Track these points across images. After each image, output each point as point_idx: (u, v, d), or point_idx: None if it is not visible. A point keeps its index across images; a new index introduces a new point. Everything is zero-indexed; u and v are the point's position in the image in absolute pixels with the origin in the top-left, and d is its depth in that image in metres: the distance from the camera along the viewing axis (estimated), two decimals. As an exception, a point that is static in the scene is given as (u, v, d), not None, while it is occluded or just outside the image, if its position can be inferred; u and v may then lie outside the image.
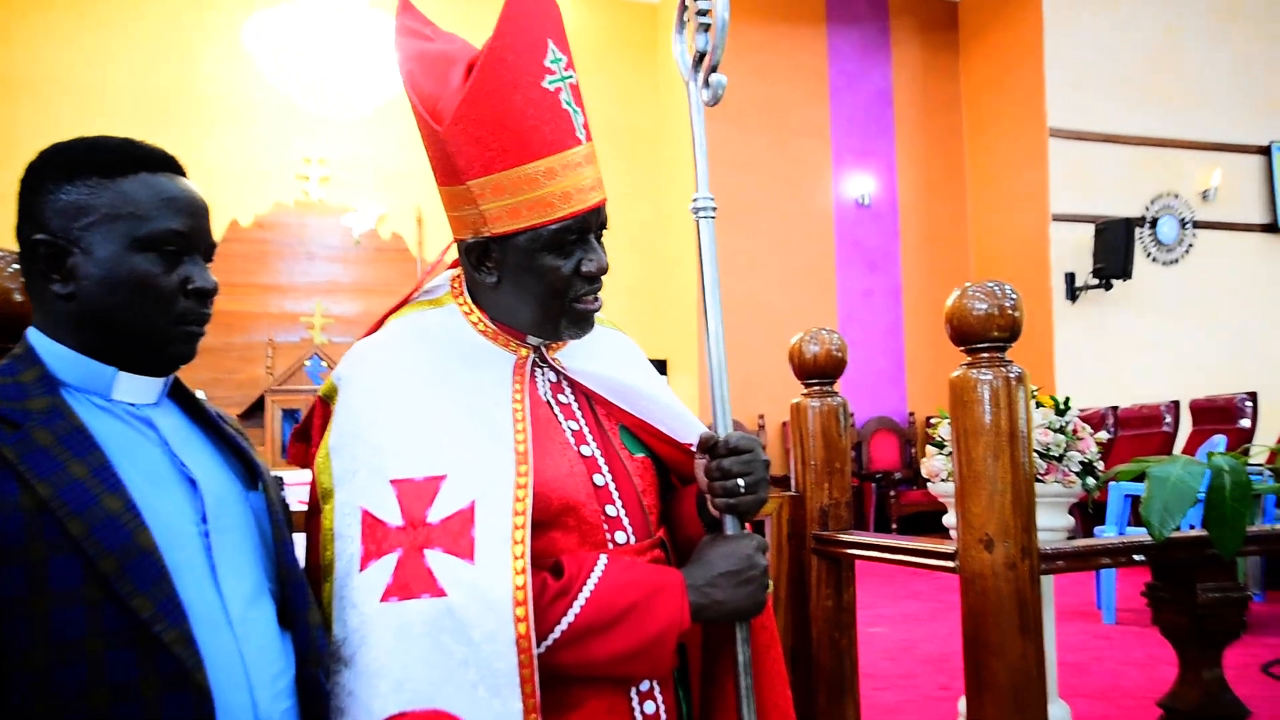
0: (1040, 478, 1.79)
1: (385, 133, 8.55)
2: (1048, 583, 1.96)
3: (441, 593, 0.96)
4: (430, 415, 1.07)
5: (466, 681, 0.95)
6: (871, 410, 9.42)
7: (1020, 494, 1.57)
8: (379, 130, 8.55)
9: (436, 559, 0.98)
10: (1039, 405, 1.82)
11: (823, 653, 2.23)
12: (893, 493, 8.75)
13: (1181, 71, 9.27)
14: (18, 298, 1.24)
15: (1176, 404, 8.05)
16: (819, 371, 2.15)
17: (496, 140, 1.07)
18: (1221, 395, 7.42)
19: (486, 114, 1.06)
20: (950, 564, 1.68)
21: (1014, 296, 1.57)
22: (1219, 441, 5.34)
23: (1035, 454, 1.80)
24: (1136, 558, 1.75)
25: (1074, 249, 8.80)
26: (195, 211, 1.02)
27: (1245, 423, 7.11)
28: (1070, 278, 8.80)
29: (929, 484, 1.92)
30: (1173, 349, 9.04)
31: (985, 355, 1.59)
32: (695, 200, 1.20)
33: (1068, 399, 1.81)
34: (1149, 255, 8.99)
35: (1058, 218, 8.79)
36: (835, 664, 2.24)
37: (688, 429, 1.21)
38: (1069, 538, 2.10)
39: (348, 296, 8.92)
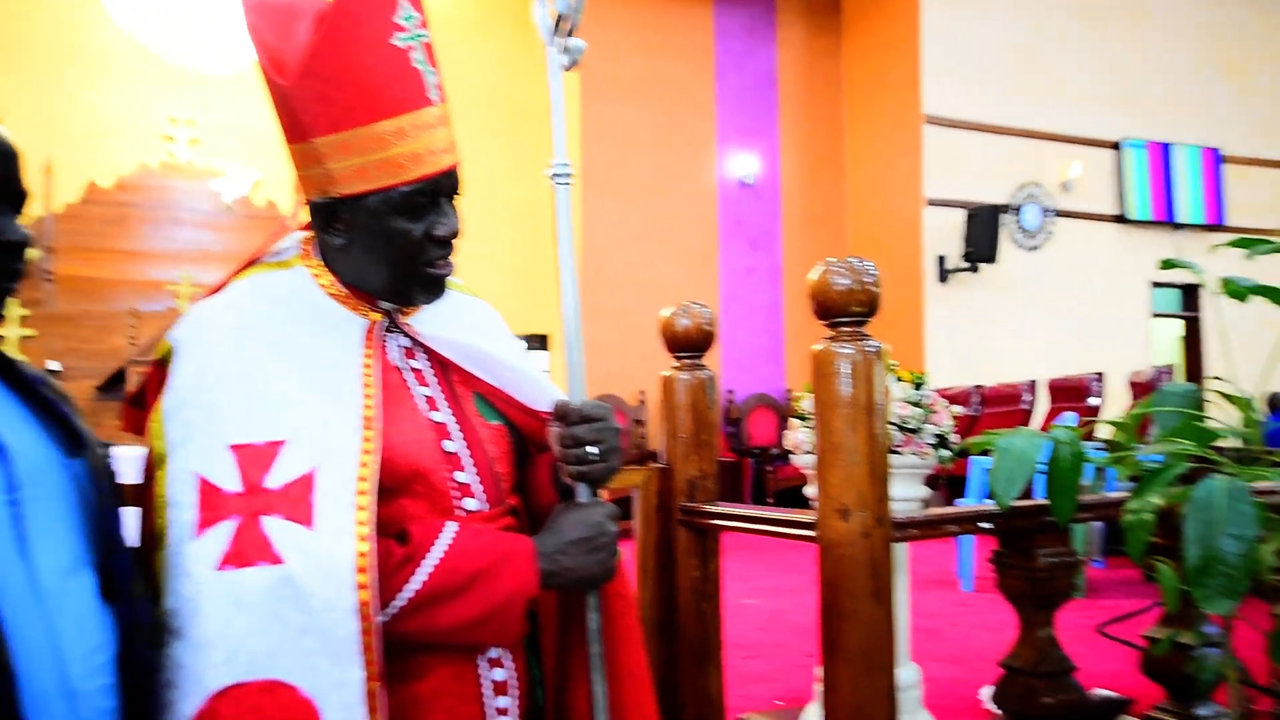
0: (897, 449, 1.85)
1: (260, 93, 8.20)
2: (902, 550, 2.04)
3: (279, 560, 0.93)
4: (272, 379, 1.03)
5: (305, 650, 0.92)
6: (751, 387, 9.59)
7: (876, 465, 1.62)
8: (253, 90, 8.19)
9: (275, 526, 0.95)
10: (898, 380, 1.87)
11: (688, 622, 2.26)
12: (770, 467, 8.95)
13: (1046, 67, 9.69)
14: None
15: (1034, 383, 8.48)
16: (689, 345, 2.17)
17: (343, 97, 1.03)
18: (1075, 375, 7.84)
19: (332, 69, 1.03)
20: (810, 533, 1.72)
21: (874, 273, 1.61)
22: (1070, 417, 5.63)
23: (893, 426, 1.85)
24: (983, 525, 1.83)
25: (945, 233, 9.13)
26: None
27: (1095, 400, 7.54)
28: (941, 260, 9.13)
29: (792, 456, 1.96)
30: (1033, 330, 9.49)
31: (846, 330, 1.63)
32: (552, 166, 1.19)
33: (923, 374, 1.88)
34: (1014, 241, 9.40)
35: (931, 202, 9.10)
36: (700, 633, 2.28)
37: (543, 397, 1.20)
38: (925, 507, 2.18)
39: (218, 265, 8.55)
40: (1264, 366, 1.81)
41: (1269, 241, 1.48)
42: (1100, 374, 7.59)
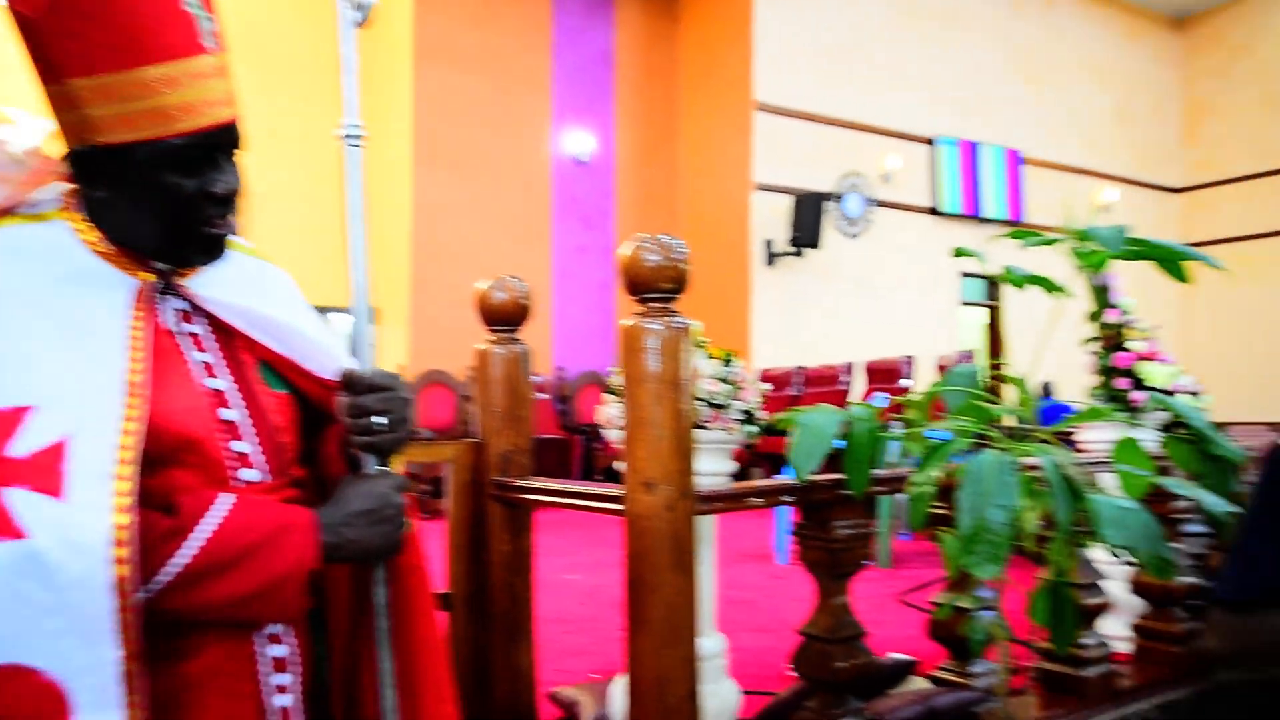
0: (705, 425, 1.90)
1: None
2: (709, 523, 2.09)
3: (22, 534, 0.86)
4: (21, 340, 0.94)
5: (51, 631, 0.86)
6: (583, 364, 9.63)
7: (681, 439, 1.65)
8: (47, 34, 7.54)
9: (19, 497, 0.87)
10: (708, 357, 1.92)
11: (500, 597, 2.25)
12: (598, 444, 9.02)
13: (870, 63, 10.12)
14: None
15: (852, 364, 8.90)
16: (505, 319, 2.15)
17: (101, 36, 0.95)
18: (889, 358, 8.27)
19: (87, 4, 0.94)
20: (617, 506, 1.74)
21: (683, 251, 1.63)
22: (881, 398, 5.93)
23: (700, 402, 1.90)
24: (785, 498, 1.90)
25: (773, 217, 9.42)
26: None
27: (906, 381, 7.98)
28: (769, 244, 9.41)
29: (604, 431, 1.98)
30: (854, 314, 9.94)
31: (655, 306, 1.65)
32: (343, 126, 1.14)
33: (733, 352, 1.93)
34: (837, 228, 9.79)
35: (760, 187, 9.36)
36: (511, 608, 2.27)
37: (334, 366, 1.15)
38: (732, 481, 2.25)
39: (6, 220, 7.86)
40: (1044, 351, 1.95)
41: (1036, 234, 1.59)
42: (911, 357, 8.03)
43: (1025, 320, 10.70)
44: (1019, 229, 1.67)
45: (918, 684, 2.72)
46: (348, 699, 1.17)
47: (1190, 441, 1.84)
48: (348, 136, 1.13)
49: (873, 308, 10.07)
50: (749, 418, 1.94)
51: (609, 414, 1.89)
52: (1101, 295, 3.09)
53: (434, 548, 1.45)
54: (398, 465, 1.13)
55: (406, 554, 1.14)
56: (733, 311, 9.51)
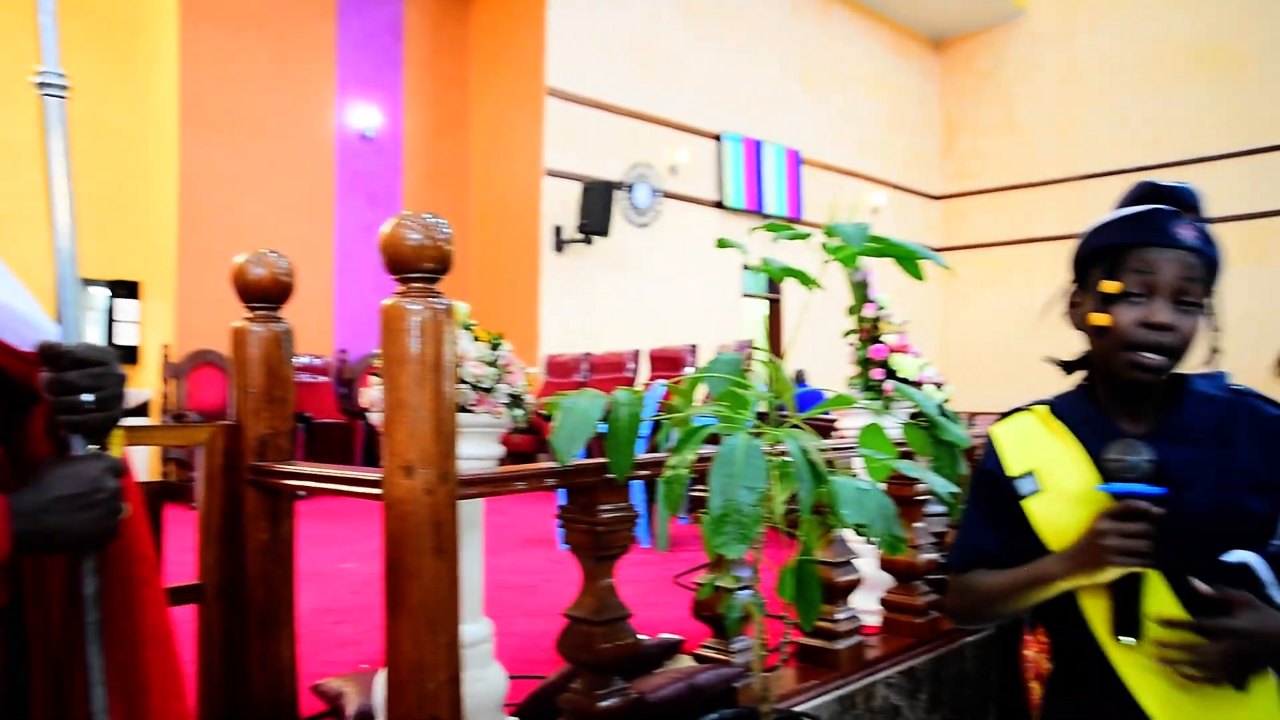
0: (471, 408, 1.87)
1: None
2: (476, 508, 2.07)
3: None
4: None
5: None
6: (366, 347, 9.32)
7: (442, 422, 1.62)
8: None
9: None
10: (475, 339, 1.89)
11: (256, 588, 2.14)
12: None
13: (661, 56, 10.33)
14: None
15: (638, 352, 9.07)
16: (263, 296, 2.04)
17: None
18: (673, 346, 8.48)
19: None
20: (375, 491, 1.69)
21: (447, 230, 1.60)
22: (662, 385, 6.08)
23: (467, 385, 1.87)
24: (549, 482, 1.91)
25: (562, 204, 9.44)
26: None
27: (689, 369, 8.21)
28: (558, 230, 9.43)
29: (368, 414, 1.91)
30: (641, 303, 10.13)
31: (417, 286, 1.60)
32: (40, 73, 1.03)
33: (500, 335, 1.91)
34: (626, 217, 9.94)
35: (550, 173, 9.36)
36: (269, 599, 2.17)
37: (37, 338, 1.05)
38: (500, 466, 2.23)
39: None
40: (797, 340, 2.04)
41: (789, 227, 1.67)
42: (695, 346, 8.27)
43: (803, 313, 11.28)
44: (772, 223, 1.75)
45: (684, 662, 2.82)
46: (58, 700, 1.07)
47: (925, 428, 1.99)
48: (44, 85, 1.01)
49: (660, 297, 10.30)
50: (516, 401, 1.93)
51: (371, 396, 1.83)
52: (860, 291, 3.29)
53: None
54: (115, 447, 1.04)
55: (130, 542, 1.06)
56: (522, 297, 9.47)
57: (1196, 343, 1.22)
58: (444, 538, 1.65)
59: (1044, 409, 1.33)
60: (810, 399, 6.39)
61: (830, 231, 1.52)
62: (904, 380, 3.26)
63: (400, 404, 1.59)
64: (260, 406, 2.05)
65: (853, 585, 3.05)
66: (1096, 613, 1.20)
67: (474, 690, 2.12)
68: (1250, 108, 11.42)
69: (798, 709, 2.56)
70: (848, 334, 3.40)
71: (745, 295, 11.41)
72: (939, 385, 3.39)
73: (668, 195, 10.38)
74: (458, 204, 10.05)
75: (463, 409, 1.89)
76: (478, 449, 1.96)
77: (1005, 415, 1.39)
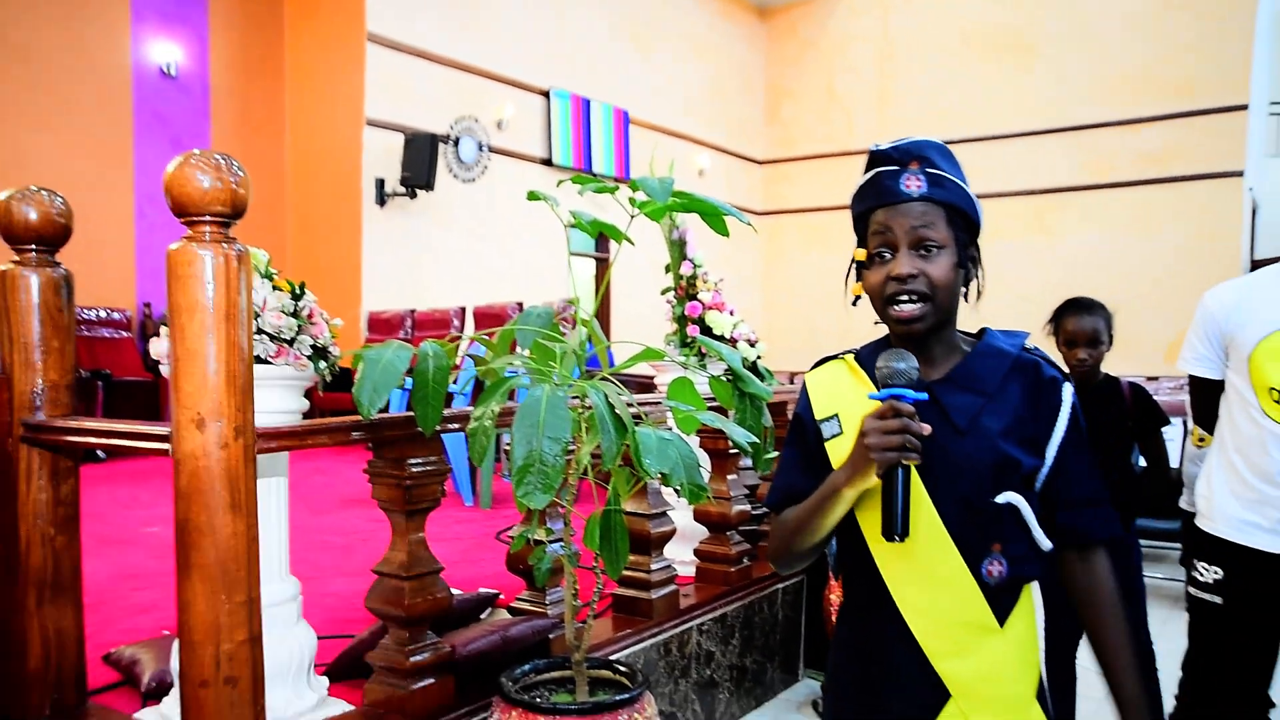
0: (270, 360, 1.80)
1: None
2: (280, 462, 2.00)
3: None
4: None
5: None
6: (170, 300, 8.74)
7: (236, 373, 1.55)
8: None
9: None
10: (275, 288, 1.81)
11: (34, 553, 2.00)
12: (188, 388, 8.27)
13: (491, 6, 10.09)
14: None
15: (464, 309, 8.93)
16: (36, 237, 1.88)
17: None
18: (498, 304, 8.40)
19: None
20: (164, 446, 1.61)
21: (241, 173, 1.52)
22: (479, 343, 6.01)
23: (266, 336, 1.79)
24: (355, 435, 1.87)
25: (385, 155, 9.12)
26: None
27: (514, 328, 8.16)
28: (380, 183, 9.11)
29: (160, 366, 1.81)
30: (467, 260, 9.96)
31: (208, 230, 1.52)
32: None
33: (303, 284, 1.84)
34: (451, 171, 9.71)
35: (371, 123, 9.01)
36: (49, 564, 2.03)
37: None
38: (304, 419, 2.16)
39: None
40: (638, 300, 2.06)
41: (597, 180, 1.68)
42: (521, 304, 8.22)
43: (631, 272, 11.39)
44: (581, 175, 1.75)
45: (501, 616, 2.83)
46: None
47: (732, 382, 2.06)
48: None
49: (487, 254, 10.15)
50: (321, 354, 1.87)
51: (161, 348, 1.73)
52: (678, 249, 3.35)
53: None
54: None
55: None
56: (343, 251, 9.12)
57: (951, 281, 1.27)
58: (240, 493, 1.59)
59: (851, 357, 1.39)
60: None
61: (635, 185, 1.53)
62: (719, 337, 3.35)
63: (190, 354, 1.52)
64: (32, 358, 1.90)
65: (667, 536, 3.14)
66: (871, 529, 1.29)
67: (279, 651, 2.06)
68: (1039, 92, 12.26)
69: (613, 658, 2.62)
70: (665, 291, 3.47)
71: (573, 254, 11.40)
72: (752, 342, 3.50)
73: (494, 150, 10.20)
74: (272, 152, 9.54)
75: (262, 361, 1.82)
76: (279, 402, 1.89)
77: (819, 363, 1.44)
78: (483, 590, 2.96)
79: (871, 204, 1.30)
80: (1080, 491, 1.32)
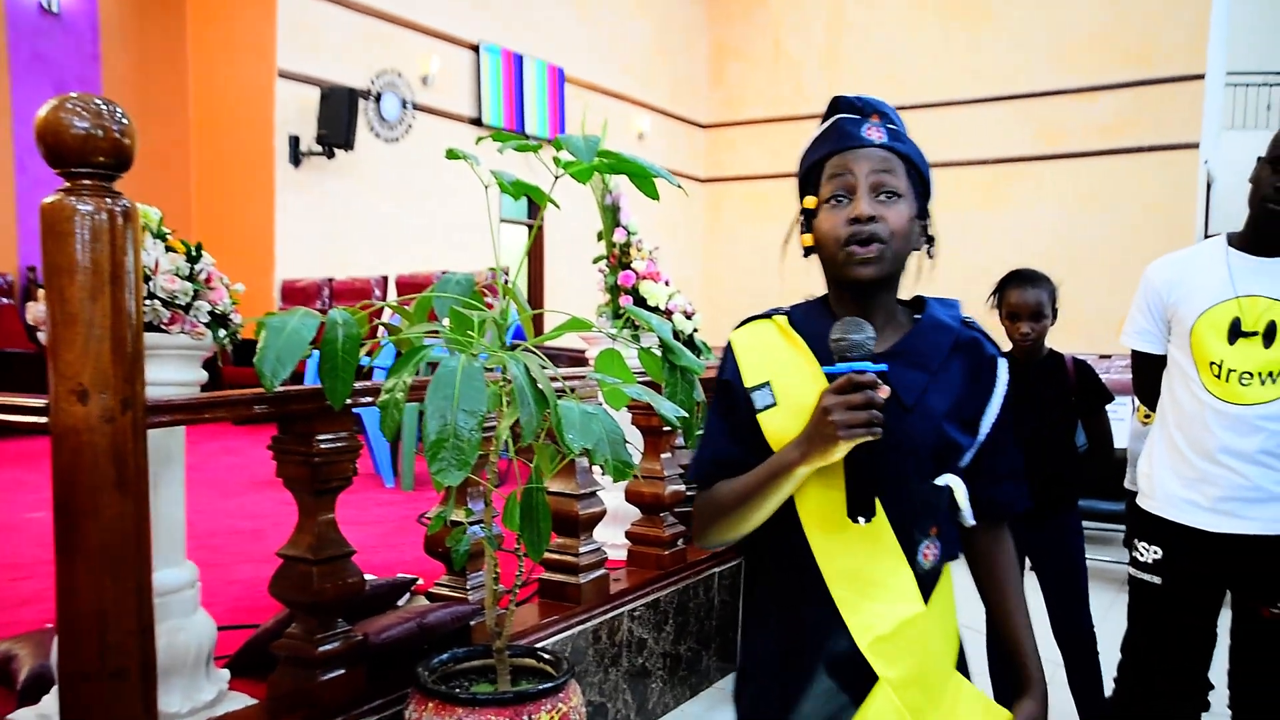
0: (164, 327, 1.75)
1: None
2: (176, 439, 1.95)
3: None
4: None
5: None
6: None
7: (122, 340, 1.51)
8: None
9: None
10: (168, 249, 1.77)
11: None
12: (82, 361, 8.04)
13: (413, -49, 9.90)
14: None
15: (386, 278, 8.81)
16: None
17: None
18: (423, 272, 8.30)
19: None
20: (40, 419, 1.56)
21: (125, 120, 1.47)
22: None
23: (159, 301, 1.75)
24: (258, 409, 1.83)
25: (299, 111, 8.91)
26: None
27: (440, 299, 8.06)
28: (295, 141, 8.92)
29: (38, 333, 1.75)
30: (390, 225, 9.80)
31: (87, 182, 1.47)
32: None
33: (199, 245, 1.79)
34: (372, 129, 9.54)
35: (284, 75, 8.79)
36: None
37: None
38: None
39: None
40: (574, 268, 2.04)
41: (517, 137, 1.66)
42: (446, 272, 8.11)
43: (569, 241, 11.34)
44: (500, 134, 1.73)
45: (419, 602, 2.81)
46: None
47: (663, 355, 2.06)
48: None
49: (412, 219, 10.00)
50: (220, 321, 1.83)
51: (39, 312, 1.67)
52: (610, 216, 3.34)
53: None
54: None
55: None
56: (255, 214, 8.91)
57: (907, 232, 1.29)
58: (128, 471, 1.55)
59: (783, 319, 1.37)
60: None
61: (560, 144, 1.52)
62: (653, 308, 3.36)
63: (69, 319, 1.47)
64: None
65: (596, 518, 3.15)
66: (809, 512, 1.29)
67: (174, 641, 2.02)
68: (994, 57, 12.45)
69: (539, 645, 2.62)
70: (597, 260, 3.45)
71: (504, 221, 11.31)
72: (689, 314, 3.51)
73: (420, 108, 10.04)
74: (175, 103, 9.25)
75: (155, 328, 1.77)
76: (175, 373, 1.84)
77: (745, 322, 1.42)
78: (400, 575, 2.93)
79: (831, 148, 1.31)
80: (1005, 466, 1.37)
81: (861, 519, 1.20)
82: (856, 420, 1.15)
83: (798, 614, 1.33)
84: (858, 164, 1.28)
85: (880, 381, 1.17)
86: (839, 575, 1.28)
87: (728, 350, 1.39)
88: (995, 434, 1.35)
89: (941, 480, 1.30)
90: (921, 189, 1.33)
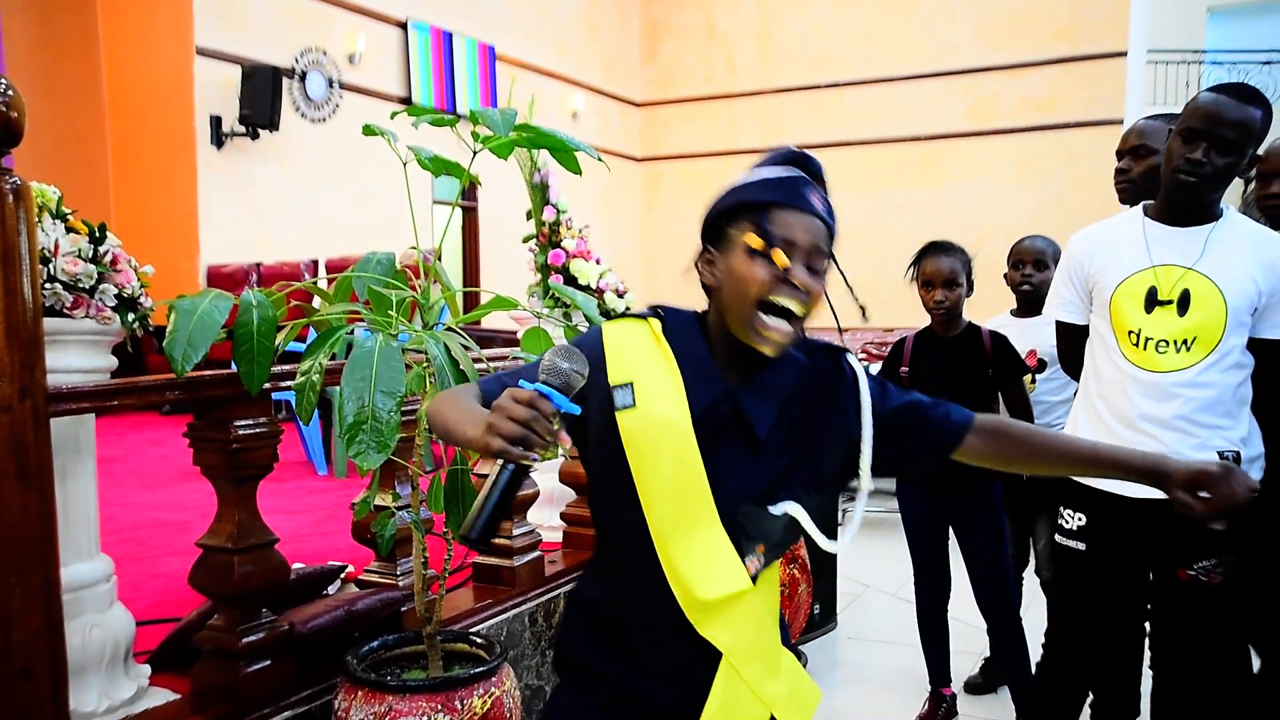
0: (67, 312, 1.69)
1: None
2: (86, 428, 1.89)
3: None
4: None
5: None
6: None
7: (19, 325, 1.45)
8: None
9: None
10: (69, 230, 1.70)
11: None
12: None
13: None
14: None
15: (317, 262, 8.65)
16: None
17: None
18: (354, 255, 8.17)
19: None
20: (-65, 410, 1.50)
21: (10, 93, 1.41)
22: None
23: (60, 285, 1.69)
24: (169, 395, 1.78)
25: (220, 90, 8.68)
26: None
27: (371, 282, 7.94)
28: (216, 121, 8.70)
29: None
30: (319, 207, 9.62)
31: (-24, 160, 1.41)
32: None
33: (103, 225, 1.73)
34: (297, 109, 9.34)
35: (203, 52, 8.55)
36: None
37: None
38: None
39: None
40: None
41: (434, 112, 1.63)
42: (384, 255, 7.98)
43: (503, 221, 11.24)
44: (415, 108, 1.70)
45: (349, 590, 2.77)
46: None
47: (591, 332, 2.04)
48: None
49: (341, 201, 9.83)
50: (129, 304, 1.77)
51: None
52: (539, 194, 3.31)
53: None
54: None
55: None
56: (177, 198, 8.67)
57: (818, 308, 1.31)
58: (29, 462, 1.50)
59: (659, 325, 1.38)
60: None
61: (476, 118, 1.49)
62: (584, 287, 3.34)
63: (-39, 304, 1.41)
64: None
65: (530, 500, 3.13)
66: (656, 515, 1.30)
67: (89, 638, 1.96)
68: (925, 33, 12.59)
69: (472, 630, 2.60)
70: (527, 239, 3.42)
71: (436, 202, 11.17)
72: (621, 293, 3.50)
73: (346, 88, 9.85)
74: (88, 82, 8.94)
75: (57, 313, 1.71)
76: (81, 360, 1.78)
77: (619, 316, 1.43)
78: (330, 563, 2.89)
79: (780, 198, 1.30)
80: (924, 405, 1.41)
81: (466, 540, 1.15)
82: (506, 431, 1.09)
83: (638, 603, 1.37)
84: (802, 231, 1.28)
85: (555, 412, 1.14)
86: (677, 573, 1.31)
87: (596, 335, 1.39)
88: (895, 413, 1.39)
89: (779, 508, 1.32)
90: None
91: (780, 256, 1.24)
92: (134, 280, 1.80)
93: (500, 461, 1.12)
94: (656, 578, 1.31)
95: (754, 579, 1.32)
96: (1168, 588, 2.28)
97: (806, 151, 1.36)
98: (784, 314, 1.27)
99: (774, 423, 1.33)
